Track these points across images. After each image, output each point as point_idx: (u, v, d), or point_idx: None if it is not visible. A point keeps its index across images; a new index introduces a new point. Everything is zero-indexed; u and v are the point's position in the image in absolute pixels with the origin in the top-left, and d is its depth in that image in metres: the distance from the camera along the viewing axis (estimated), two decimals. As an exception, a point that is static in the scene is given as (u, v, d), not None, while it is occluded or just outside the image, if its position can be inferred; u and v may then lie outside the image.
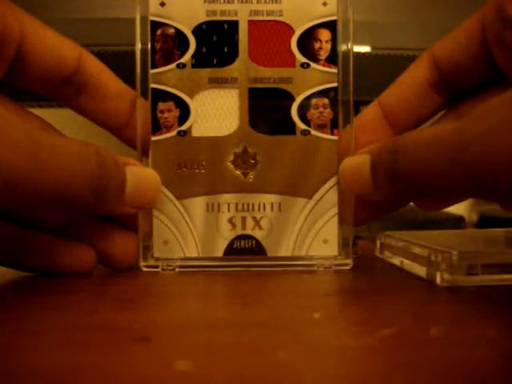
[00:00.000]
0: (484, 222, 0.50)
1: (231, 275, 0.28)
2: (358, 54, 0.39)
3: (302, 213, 0.29)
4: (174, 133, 0.29)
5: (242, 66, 0.29)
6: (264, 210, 0.29)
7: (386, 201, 0.28)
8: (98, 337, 0.18)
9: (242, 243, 0.29)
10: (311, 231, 0.29)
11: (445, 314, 0.22)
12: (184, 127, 0.29)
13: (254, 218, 0.29)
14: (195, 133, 0.29)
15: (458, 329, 0.19)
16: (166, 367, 0.16)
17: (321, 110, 0.29)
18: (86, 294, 0.25)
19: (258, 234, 0.29)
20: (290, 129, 0.29)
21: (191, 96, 0.29)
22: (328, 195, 0.29)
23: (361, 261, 0.32)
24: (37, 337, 0.18)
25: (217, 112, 0.29)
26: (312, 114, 0.29)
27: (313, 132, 0.29)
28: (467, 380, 0.15)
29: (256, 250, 0.29)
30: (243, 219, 0.29)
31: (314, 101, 0.29)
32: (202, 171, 0.29)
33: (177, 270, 0.29)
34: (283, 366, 0.16)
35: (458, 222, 0.47)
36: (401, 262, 0.30)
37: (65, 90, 0.28)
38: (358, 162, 0.27)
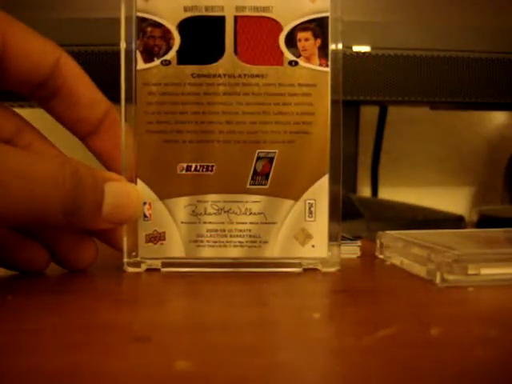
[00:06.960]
0: (484, 221, 0.50)
1: (231, 276, 0.28)
2: (358, 53, 0.39)
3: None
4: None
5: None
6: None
7: None
8: (98, 337, 0.18)
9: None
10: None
11: (445, 314, 0.22)
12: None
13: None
14: None
15: (458, 329, 0.19)
16: (165, 367, 0.16)
17: None
18: (85, 294, 0.25)
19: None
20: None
21: None
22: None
23: (361, 261, 0.32)
24: (36, 337, 0.18)
25: None
26: None
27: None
28: (467, 380, 0.15)
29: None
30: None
31: None
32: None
33: (162, 270, 0.29)
34: (283, 366, 0.16)
35: (457, 221, 0.47)
36: (401, 262, 0.30)
37: (39, 92, 0.28)
38: None
